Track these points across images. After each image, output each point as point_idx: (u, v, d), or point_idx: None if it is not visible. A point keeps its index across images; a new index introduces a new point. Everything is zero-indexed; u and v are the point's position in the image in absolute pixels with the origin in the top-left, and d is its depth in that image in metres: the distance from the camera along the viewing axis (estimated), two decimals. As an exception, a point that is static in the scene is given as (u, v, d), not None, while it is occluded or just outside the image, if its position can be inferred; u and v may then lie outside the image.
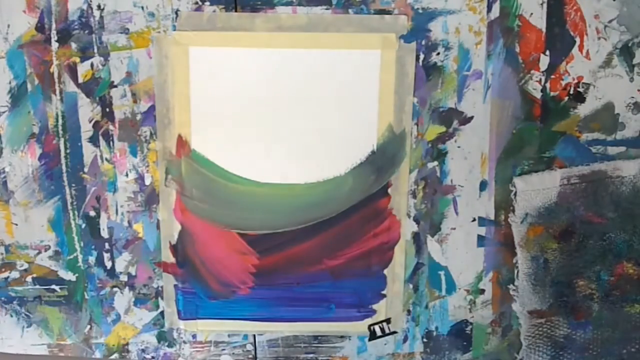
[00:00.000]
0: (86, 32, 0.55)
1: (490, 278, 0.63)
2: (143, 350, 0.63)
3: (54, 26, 0.55)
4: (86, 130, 0.58)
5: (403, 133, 0.59)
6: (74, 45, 0.56)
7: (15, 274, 0.61)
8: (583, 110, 0.59)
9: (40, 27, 0.55)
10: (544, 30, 0.57)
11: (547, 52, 0.58)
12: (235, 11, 0.55)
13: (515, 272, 0.62)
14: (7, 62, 0.56)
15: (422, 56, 0.57)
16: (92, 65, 0.56)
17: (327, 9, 0.56)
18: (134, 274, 0.61)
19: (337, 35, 0.56)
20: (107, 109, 0.57)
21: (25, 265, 0.60)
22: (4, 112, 0.57)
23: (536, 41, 0.58)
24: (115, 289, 0.61)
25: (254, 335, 0.63)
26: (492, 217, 0.61)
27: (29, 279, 0.61)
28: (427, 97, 0.58)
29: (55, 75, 0.56)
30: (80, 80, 0.56)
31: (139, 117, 0.57)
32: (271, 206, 0.59)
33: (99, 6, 0.55)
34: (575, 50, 0.58)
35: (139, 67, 0.56)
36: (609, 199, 0.60)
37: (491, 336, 0.64)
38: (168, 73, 0.56)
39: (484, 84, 0.58)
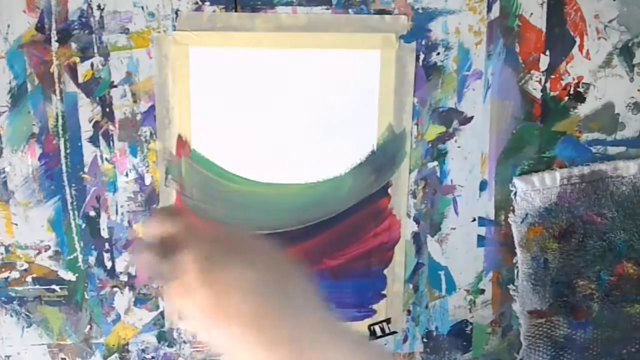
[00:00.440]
0: (86, 32, 0.55)
1: (490, 278, 0.63)
2: (143, 350, 0.63)
3: (54, 26, 0.55)
4: (86, 130, 0.58)
5: (403, 133, 0.59)
6: (74, 45, 0.56)
7: (15, 274, 0.61)
8: (583, 110, 0.59)
9: (40, 27, 0.55)
10: (544, 30, 0.57)
11: (547, 52, 0.58)
12: (235, 11, 0.55)
13: (515, 272, 0.62)
14: (7, 62, 0.55)
15: (422, 56, 0.57)
16: (92, 65, 0.56)
17: (327, 9, 0.56)
18: (134, 274, 0.61)
19: (337, 35, 0.56)
20: (107, 109, 0.57)
21: (25, 265, 0.60)
22: (4, 112, 0.57)
23: (536, 41, 0.58)
24: (115, 289, 0.61)
25: (254, 335, 0.63)
26: (492, 217, 0.61)
27: (29, 279, 0.61)
28: (427, 97, 0.58)
29: (55, 75, 0.56)
30: (80, 80, 0.56)
31: (139, 117, 0.57)
32: (271, 206, 0.59)
33: (99, 6, 0.55)
34: (575, 50, 0.58)
35: (139, 67, 0.56)
36: (609, 199, 0.60)
37: (491, 336, 0.64)
38: (168, 73, 0.56)
39: (484, 84, 0.58)
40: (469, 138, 0.59)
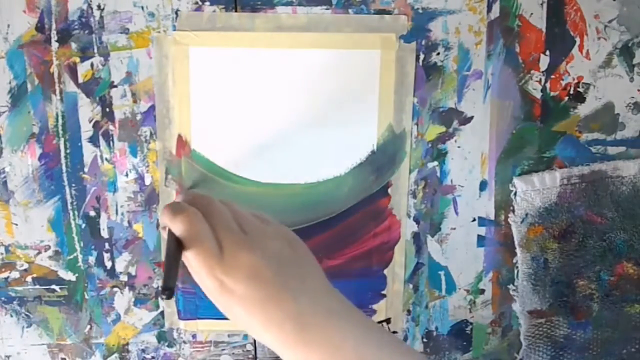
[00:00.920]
0: (86, 32, 0.55)
1: (490, 278, 0.63)
2: (143, 350, 0.63)
3: (54, 26, 0.55)
4: (86, 130, 0.58)
5: (403, 133, 0.59)
6: (74, 45, 0.56)
7: (15, 274, 0.61)
8: (583, 110, 0.59)
9: (40, 27, 0.55)
10: (544, 30, 0.57)
11: (547, 52, 0.58)
12: (235, 11, 0.55)
13: (515, 272, 0.62)
14: (7, 62, 0.55)
15: (422, 56, 0.57)
16: (92, 65, 0.56)
17: (327, 9, 0.56)
18: (134, 274, 0.61)
19: (337, 35, 0.56)
20: (107, 109, 0.57)
21: (25, 265, 0.60)
22: (4, 112, 0.57)
23: (536, 41, 0.58)
24: (115, 289, 0.61)
25: (254, 335, 0.63)
26: (492, 217, 0.61)
27: (29, 279, 0.61)
28: (427, 97, 0.58)
29: (55, 75, 0.56)
30: (80, 80, 0.56)
31: (139, 117, 0.57)
32: (271, 206, 0.59)
33: (99, 6, 0.55)
34: (575, 50, 0.58)
35: (139, 67, 0.56)
36: (609, 199, 0.60)
37: (491, 336, 0.64)
38: (168, 73, 0.56)
39: (484, 84, 0.58)
40: (469, 138, 0.59)
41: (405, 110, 0.58)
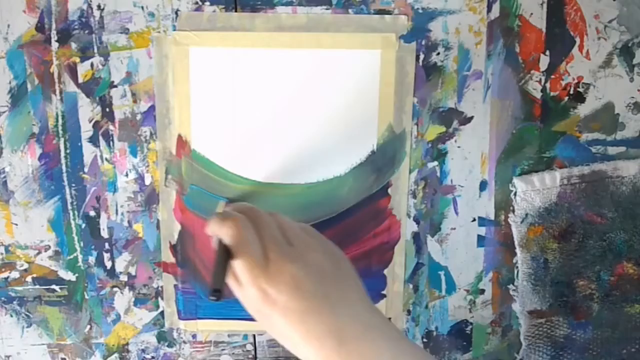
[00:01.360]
0: (86, 32, 0.55)
1: (490, 278, 0.63)
2: (143, 350, 0.63)
3: (54, 26, 0.55)
4: (86, 130, 0.58)
5: (403, 133, 0.59)
6: (74, 45, 0.56)
7: (15, 274, 0.61)
8: (583, 110, 0.59)
9: (40, 27, 0.55)
10: (544, 30, 0.57)
11: (547, 52, 0.58)
12: (235, 11, 0.55)
13: (515, 272, 0.62)
14: (7, 62, 0.55)
15: (422, 56, 0.57)
16: (92, 65, 0.56)
17: (327, 9, 0.56)
18: (134, 274, 0.61)
19: (337, 35, 0.56)
20: (107, 109, 0.57)
21: (25, 265, 0.60)
22: (4, 112, 0.57)
23: (536, 41, 0.58)
24: (115, 289, 0.61)
25: (254, 335, 0.63)
26: (492, 217, 0.61)
27: (29, 279, 0.61)
28: (427, 97, 0.58)
29: (55, 75, 0.56)
30: (80, 80, 0.56)
31: (139, 117, 0.57)
32: (271, 206, 0.59)
33: (99, 6, 0.55)
34: (575, 50, 0.58)
35: (139, 67, 0.56)
36: (609, 199, 0.60)
37: (491, 336, 0.64)
38: (168, 73, 0.56)
39: (484, 84, 0.58)
40: (469, 138, 0.59)
41: (405, 110, 0.58)
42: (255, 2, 0.55)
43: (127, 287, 0.61)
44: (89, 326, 0.62)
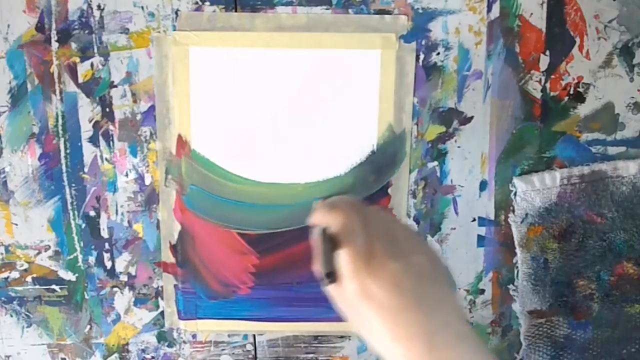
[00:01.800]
0: (86, 32, 0.55)
1: (490, 278, 0.63)
2: (143, 350, 0.63)
3: (54, 26, 0.55)
4: (86, 130, 0.58)
5: (403, 133, 0.59)
6: (74, 45, 0.56)
7: (15, 274, 0.61)
8: (583, 110, 0.59)
9: (40, 27, 0.55)
10: (544, 30, 0.57)
11: (547, 52, 0.58)
12: (235, 11, 0.55)
13: (515, 272, 0.62)
14: (7, 62, 0.55)
15: (422, 56, 0.57)
16: (92, 65, 0.56)
17: (327, 9, 0.56)
18: (134, 274, 0.61)
19: (337, 35, 0.56)
20: (107, 109, 0.57)
21: (25, 265, 0.60)
22: (4, 112, 0.57)
23: (536, 41, 0.58)
24: (115, 289, 0.61)
25: (254, 335, 0.63)
26: (492, 217, 0.61)
27: (29, 279, 0.61)
28: (427, 97, 0.58)
29: (55, 75, 0.56)
30: (80, 80, 0.56)
31: (139, 117, 0.57)
32: (271, 206, 0.59)
33: (99, 6, 0.55)
34: (575, 50, 0.58)
35: (139, 67, 0.56)
36: (609, 199, 0.60)
37: (491, 336, 0.64)
38: (168, 73, 0.56)
39: (484, 84, 0.58)
40: (469, 138, 0.59)
41: (405, 110, 0.58)
42: (255, 2, 0.55)
43: (127, 287, 0.61)
44: (89, 326, 0.62)
